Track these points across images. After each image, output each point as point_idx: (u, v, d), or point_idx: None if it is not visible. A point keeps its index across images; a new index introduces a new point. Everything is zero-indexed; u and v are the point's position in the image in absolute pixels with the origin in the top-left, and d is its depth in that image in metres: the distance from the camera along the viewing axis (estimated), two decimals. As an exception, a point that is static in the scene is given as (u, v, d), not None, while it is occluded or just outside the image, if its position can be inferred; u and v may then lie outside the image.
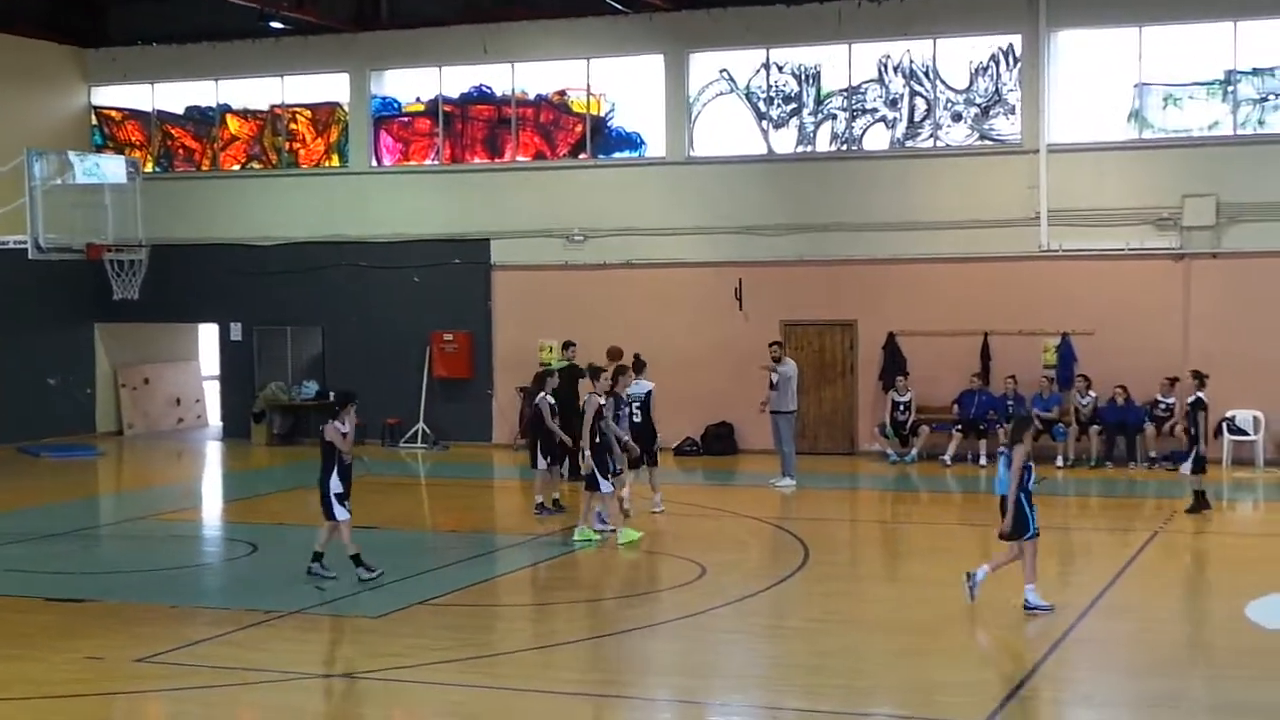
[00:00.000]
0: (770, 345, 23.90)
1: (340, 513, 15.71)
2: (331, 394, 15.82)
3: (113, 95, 32.59)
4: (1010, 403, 25.92)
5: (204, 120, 31.99)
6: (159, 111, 32.23)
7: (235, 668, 12.30)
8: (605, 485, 18.35)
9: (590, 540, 18.14)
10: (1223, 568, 16.66)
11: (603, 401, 18.62)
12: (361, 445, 29.35)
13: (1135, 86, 25.97)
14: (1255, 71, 25.52)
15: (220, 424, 32.70)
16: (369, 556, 15.87)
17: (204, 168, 32.00)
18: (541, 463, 20.44)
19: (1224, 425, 25.04)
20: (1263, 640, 13.05)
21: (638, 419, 20.50)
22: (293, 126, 31.37)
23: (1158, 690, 11.64)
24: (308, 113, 31.29)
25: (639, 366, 21.08)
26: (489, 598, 15.63)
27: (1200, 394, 20.42)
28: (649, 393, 20.95)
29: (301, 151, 31.37)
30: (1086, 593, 15.07)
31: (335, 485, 15.71)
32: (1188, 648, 13.14)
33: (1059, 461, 25.40)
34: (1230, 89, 25.60)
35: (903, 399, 26.56)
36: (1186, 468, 20.49)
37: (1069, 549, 18.95)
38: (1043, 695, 11.52)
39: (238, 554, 18.33)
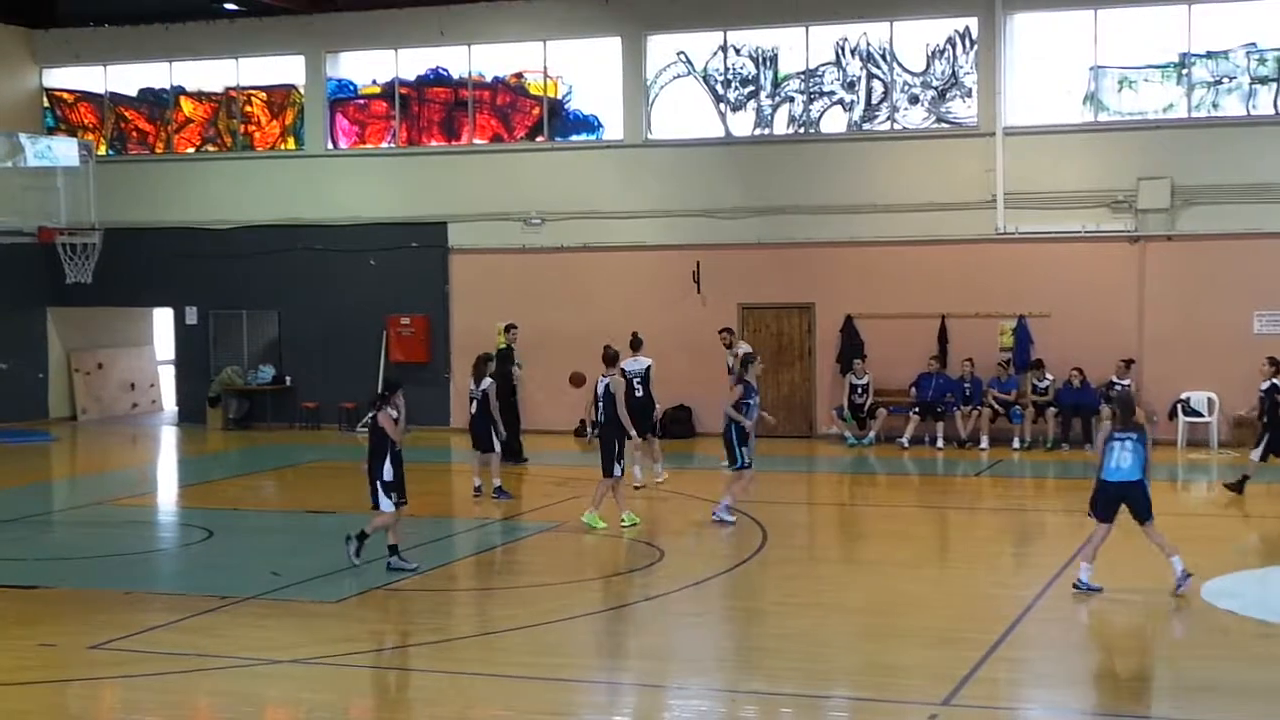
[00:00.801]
0: (720, 332, 23.88)
1: (385, 504, 15.42)
2: (381, 381, 15.36)
3: (64, 77, 32.30)
4: (967, 385, 26.02)
5: (158, 102, 31.74)
6: (112, 93, 31.95)
7: (190, 654, 12.21)
8: (617, 469, 18.33)
9: (595, 526, 18.07)
10: (1179, 548, 16.71)
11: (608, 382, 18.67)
12: (316, 430, 29.52)
13: (1090, 69, 26.07)
14: (1209, 54, 25.65)
15: (175, 409, 32.49)
16: (325, 541, 15.79)
17: (158, 150, 31.75)
18: (496, 446, 20.73)
19: (1178, 407, 25.20)
20: (1219, 620, 13.12)
21: (639, 393, 21.48)
22: (248, 109, 31.15)
23: (1115, 670, 11.70)
24: (263, 95, 31.09)
25: (636, 344, 22.24)
26: (447, 582, 15.57)
27: (1276, 380, 20.33)
28: (648, 368, 22.04)
29: (257, 134, 31.16)
30: (1044, 574, 15.13)
31: (387, 473, 15.38)
32: (1144, 628, 13.20)
33: (1015, 444, 25.52)
34: (1185, 72, 25.72)
35: (860, 382, 26.61)
36: (1256, 454, 20.46)
37: (1026, 530, 19.06)
38: (1000, 676, 11.55)
39: (193, 539, 18.19)
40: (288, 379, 30.61)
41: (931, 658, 11.93)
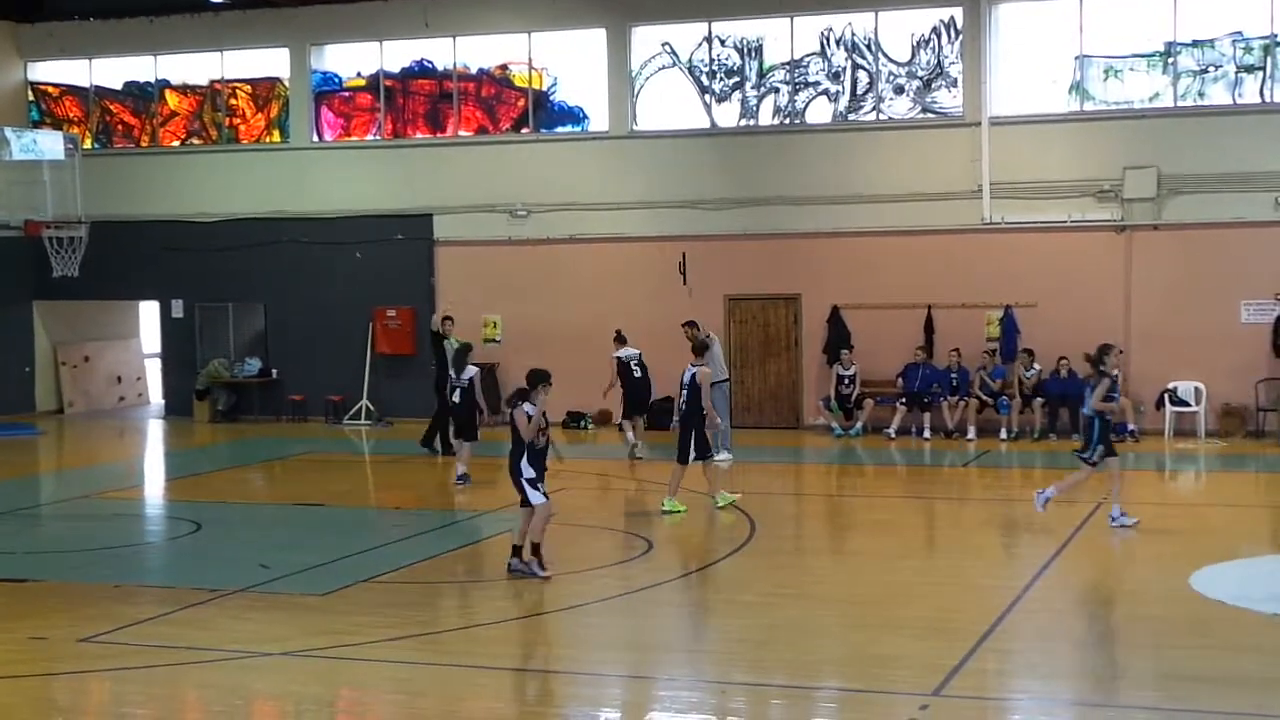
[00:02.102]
0: (683, 325, 23.84)
1: (535, 496, 14.73)
2: (527, 375, 14.97)
3: (49, 71, 32.20)
4: (954, 376, 26.06)
5: (143, 96, 31.65)
6: (97, 87, 31.86)
7: (179, 646, 12.20)
8: (691, 458, 18.43)
9: (675, 510, 18.28)
10: (1166, 538, 16.77)
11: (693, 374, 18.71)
12: (303, 422, 29.50)
13: (1076, 59, 26.09)
14: (1195, 43, 25.68)
15: (162, 402, 32.42)
16: (313, 534, 15.75)
17: (143, 144, 31.67)
18: (478, 434, 21.46)
19: (1165, 397, 25.24)
20: (1207, 610, 13.15)
21: (638, 374, 23.86)
22: (233, 102, 31.08)
23: (1103, 661, 11.71)
24: (248, 88, 31.02)
25: (622, 339, 24.13)
26: (435, 574, 15.55)
27: None
28: (640, 354, 23.91)
29: (242, 127, 31.09)
30: (1032, 564, 15.15)
31: (527, 470, 14.73)
32: (1132, 618, 13.22)
33: (1002, 434, 25.55)
34: (1170, 61, 25.75)
35: (847, 373, 26.62)
36: None
37: (1014, 521, 19.06)
38: (990, 667, 11.57)
39: (181, 532, 18.17)
40: (274, 371, 30.56)
41: (921, 648, 11.93)
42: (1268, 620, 12.70)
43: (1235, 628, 12.56)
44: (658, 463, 22.51)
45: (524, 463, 14.68)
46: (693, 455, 18.53)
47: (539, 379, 14.90)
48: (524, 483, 14.70)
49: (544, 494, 14.73)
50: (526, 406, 14.69)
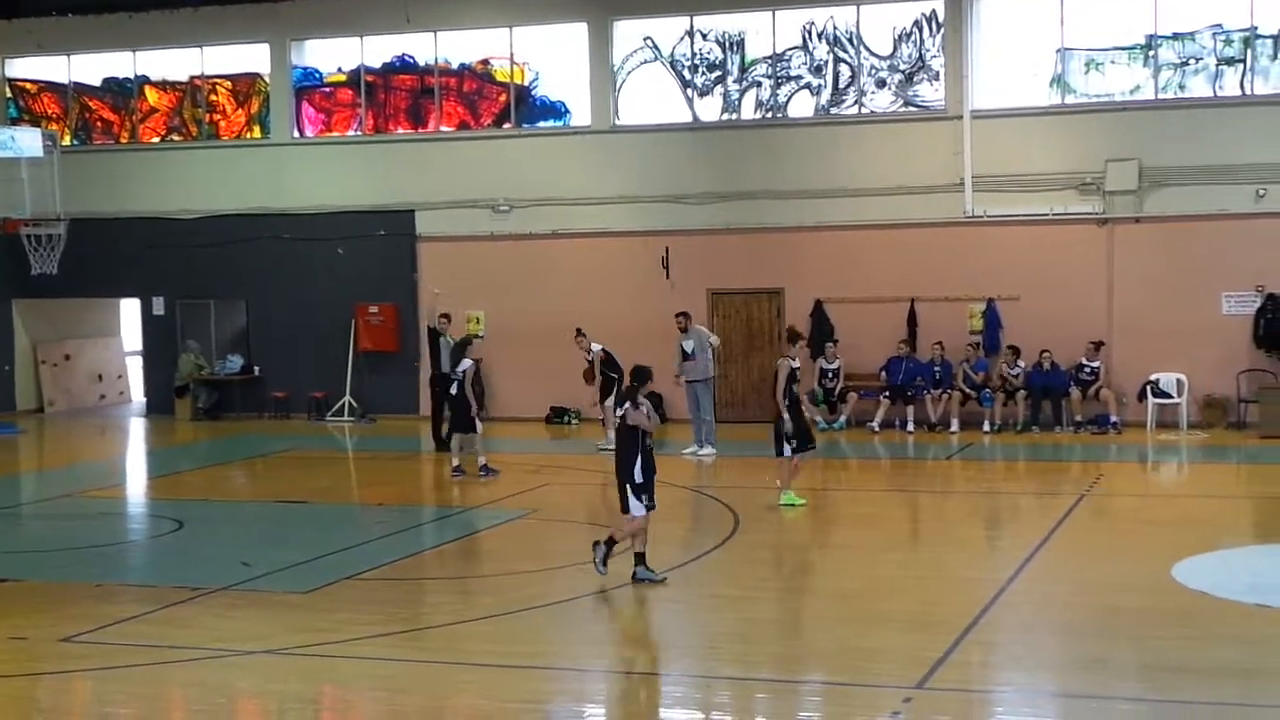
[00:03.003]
0: (676, 316, 23.86)
1: (635, 507, 14.16)
2: (631, 372, 14.61)
3: (27, 67, 32.07)
4: (937, 369, 26.08)
5: (122, 92, 31.53)
6: (75, 83, 31.73)
7: (161, 645, 12.16)
8: (786, 450, 18.30)
9: (794, 504, 18.26)
10: (1149, 529, 16.80)
11: (795, 366, 18.44)
12: (285, 419, 29.43)
13: (1057, 51, 26.11)
14: (1176, 36, 25.71)
15: (143, 400, 32.32)
16: (296, 531, 15.70)
17: (123, 140, 31.56)
18: (478, 426, 21.39)
19: (1148, 388, 25.28)
20: (1189, 601, 13.17)
21: (596, 373, 23.96)
22: (213, 98, 30.98)
23: (1087, 652, 11.71)
24: (228, 84, 30.91)
25: (582, 333, 24.39)
26: (418, 571, 15.52)
27: None
28: (598, 352, 24.07)
29: (222, 123, 31.00)
30: (1015, 557, 15.16)
31: (638, 475, 14.13)
32: (1116, 610, 13.23)
33: (986, 426, 25.57)
34: (1151, 53, 25.78)
35: (831, 366, 26.62)
36: None
37: (997, 513, 19.10)
38: (974, 659, 11.57)
39: (162, 531, 18.11)
40: (256, 369, 30.48)
41: (905, 641, 11.93)
42: (1250, 610, 12.72)
43: (1218, 618, 12.58)
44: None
45: (638, 467, 14.16)
46: (786, 448, 18.33)
47: (645, 376, 14.52)
48: (630, 489, 14.15)
49: (646, 506, 14.18)
50: (634, 404, 14.21)
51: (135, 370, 33.90)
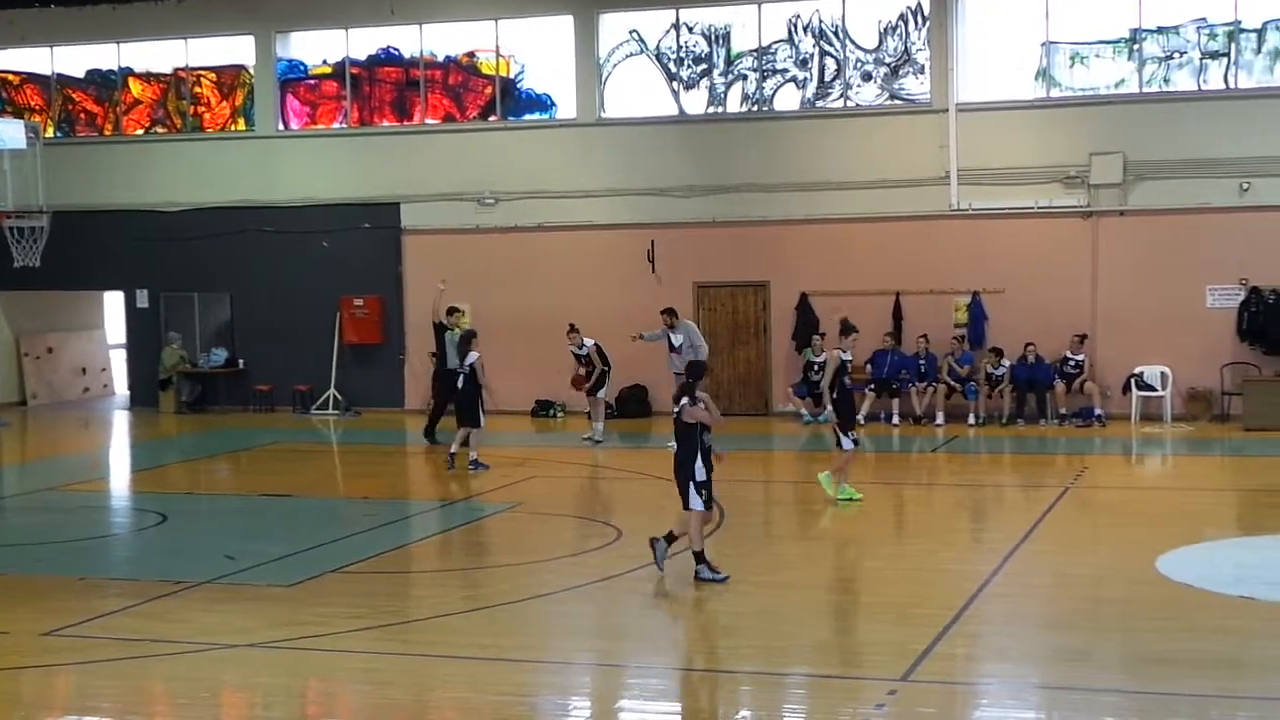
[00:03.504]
0: (661, 313, 23.83)
1: (695, 502, 13.91)
2: (687, 367, 14.48)
3: (10, 59, 31.92)
4: (922, 362, 26.11)
5: (105, 84, 31.41)
6: (58, 75, 31.60)
7: (145, 639, 12.12)
8: (846, 442, 18.07)
9: (853, 498, 18.02)
10: (1133, 522, 16.83)
11: (847, 358, 18.29)
12: (270, 412, 29.38)
13: (1042, 45, 26.13)
14: (1160, 29, 25.75)
15: (127, 393, 32.24)
16: (280, 525, 15.66)
17: (106, 132, 31.44)
18: (481, 420, 21.45)
19: (1132, 381, 25.33)
20: (1173, 593, 13.19)
21: (586, 369, 23.99)
22: (197, 90, 30.88)
23: (1071, 644, 11.73)
24: (212, 76, 30.82)
25: (575, 329, 24.26)
26: (403, 564, 15.51)
27: None
28: (592, 346, 24.09)
29: (206, 115, 30.90)
30: (1000, 549, 15.18)
31: (699, 472, 13.88)
32: (1100, 602, 13.26)
33: (970, 419, 25.61)
34: (1136, 47, 25.81)
35: (817, 359, 26.61)
36: None
37: (982, 506, 19.13)
38: (958, 651, 11.59)
39: (146, 524, 18.05)
40: (240, 362, 30.42)
41: (890, 634, 11.95)
42: (1234, 602, 12.75)
43: (1201, 610, 12.61)
44: (624, 450, 22.51)
45: (698, 463, 13.92)
46: (846, 441, 18.10)
47: (702, 371, 14.43)
48: (691, 485, 13.93)
49: (705, 501, 14.00)
50: (694, 399, 13.94)
51: (119, 363, 33.80)
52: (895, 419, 26.04)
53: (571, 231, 28.27)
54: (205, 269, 30.28)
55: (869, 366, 26.45)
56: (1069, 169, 25.83)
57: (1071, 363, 25.55)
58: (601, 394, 24.40)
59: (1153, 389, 25.37)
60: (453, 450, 21.44)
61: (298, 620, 12.64)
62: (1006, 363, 25.74)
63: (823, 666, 11.28)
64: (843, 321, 19.07)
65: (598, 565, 14.86)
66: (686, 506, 14.01)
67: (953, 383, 25.98)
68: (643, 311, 26.33)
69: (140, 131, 31.31)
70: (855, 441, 18.23)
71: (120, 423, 30.06)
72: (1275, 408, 24.14)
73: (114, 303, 33.11)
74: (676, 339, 23.33)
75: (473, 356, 21.35)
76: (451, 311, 24.19)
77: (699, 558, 13.89)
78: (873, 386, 26.20)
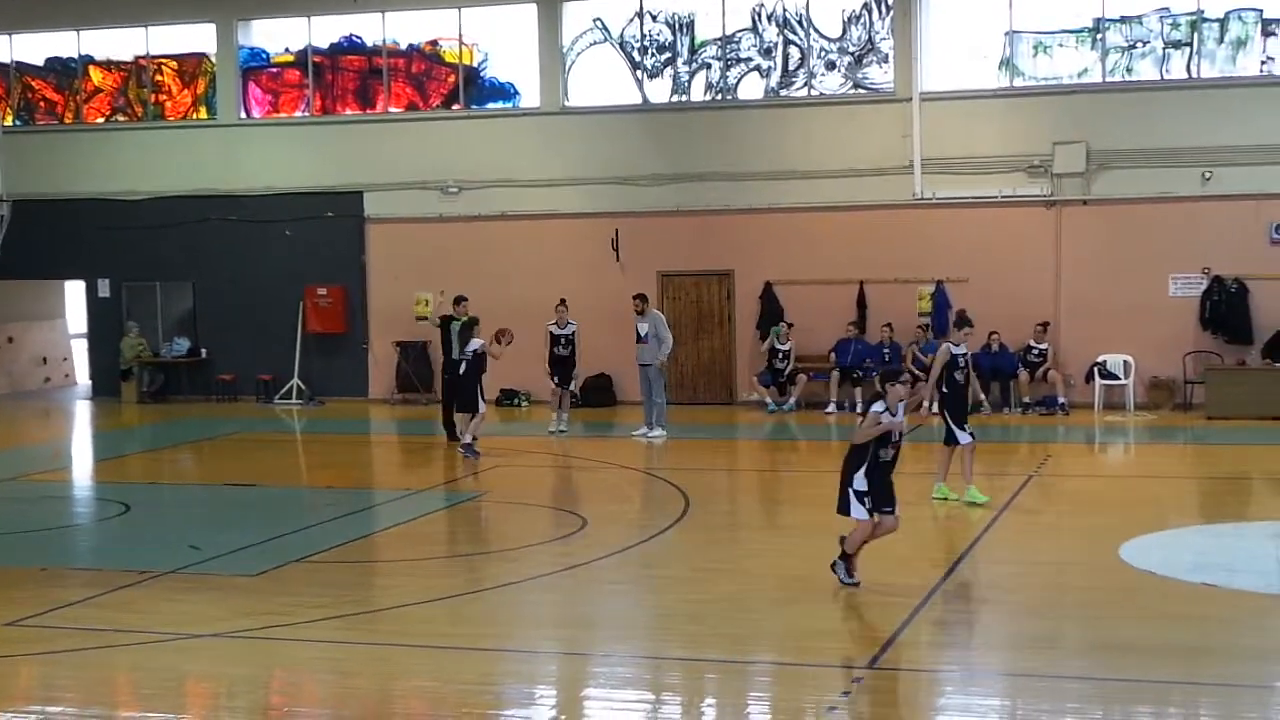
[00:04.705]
0: (634, 298, 23.86)
1: (857, 510, 12.78)
2: (881, 374, 13.29)
3: (-31, 46, 31.71)
4: (886, 351, 26.16)
5: (65, 72, 31.20)
6: (18, 63, 31.37)
7: (108, 629, 12.06)
8: (963, 436, 17.07)
9: (977, 500, 16.84)
10: (1096, 510, 16.90)
11: (958, 351, 17.21)
12: (233, 402, 29.25)
13: (1006, 34, 26.21)
14: (1123, 19, 25.88)
15: (89, 383, 32.05)
16: (244, 514, 15.57)
17: (67, 120, 31.23)
18: (481, 406, 21.44)
19: (1095, 370, 25.45)
20: (1136, 580, 13.26)
21: (565, 351, 23.83)
22: (158, 78, 30.70)
23: (1034, 631, 11.78)
24: (173, 64, 30.64)
25: (564, 304, 24.21)
26: (368, 554, 15.46)
27: None
28: (574, 332, 23.91)
29: (168, 103, 30.73)
30: (964, 537, 15.23)
31: (858, 482, 12.78)
32: (1063, 589, 13.32)
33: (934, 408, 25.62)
34: (1099, 36, 25.92)
35: (783, 348, 26.66)
36: None
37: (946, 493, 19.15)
38: (923, 639, 11.62)
39: (109, 514, 17.95)
40: (203, 351, 30.28)
41: (855, 622, 11.99)
42: (1195, 589, 12.82)
43: (1164, 597, 12.68)
44: (588, 439, 22.50)
45: (859, 474, 12.78)
46: (963, 435, 17.06)
47: (889, 376, 13.04)
48: (850, 492, 12.85)
49: (869, 511, 12.80)
50: (877, 406, 12.80)
51: (80, 353, 33.59)
52: (859, 407, 26.05)
53: (535, 220, 28.23)
54: (167, 258, 30.12)
55: (833, 355, 26.50)
56: (1032, 158, 25.93)
57: (1035, 351, 25.66)
58: (571, 386, 24.34)
59: (1116, 377, 25.51)
60: (466, 441, 21.30)
61: (262, 610, 12.59)
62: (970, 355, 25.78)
63: (788, 655, 11.29)
64: (959, 314, 18.28)
65: (563, 554, 14.85)
66: (843, 512, 12.93)
67: (917, 371, 26.01)
68: (607, 301, 26.40)
69: (101, 120, 31.11)
70: (971, 434, 17.17)
71: (82, 413, 29.88)
72: (1237, 396, 24.31)
73: (75, 292, 32.89)
74: (643, 328, 23.33)
75: (475, 344, 21.39)
76: (458, 301, 23.65)
77: (845, 554, 12.94)
78: (836, 371, 26.28)
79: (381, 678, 10.85)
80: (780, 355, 26.64)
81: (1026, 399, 25.50)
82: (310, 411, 28.38)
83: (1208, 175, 25.27)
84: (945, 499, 17.15)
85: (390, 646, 11.60)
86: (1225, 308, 25.23)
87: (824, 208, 26.80)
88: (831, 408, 26.14)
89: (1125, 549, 14.28)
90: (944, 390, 17.15)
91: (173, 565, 14.33)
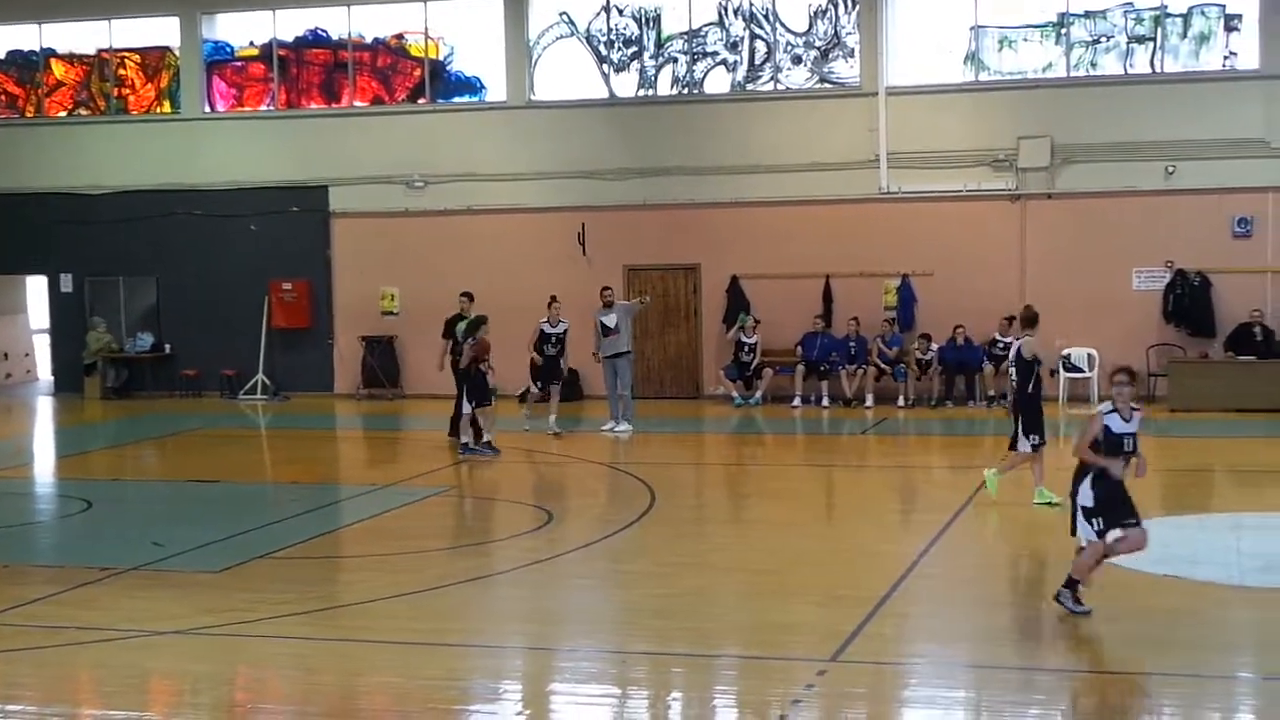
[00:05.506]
0: (602, 291, 23.81)
1: (1085, 531, 11.56)
2: (1118, 369, 11.83)
3: (-70, 39, 31.46)
4: (852, 344, 26.21)
5: (27, 65, 30.98)
6: (-21, 56, 31.17)
7: (70, 627, 11.97)
8: (1024, 445, 16.18)
9: (1052, 503, 15.81)
10: (1060, 502, 16.94)
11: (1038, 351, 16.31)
12: (197, 398, 29.12)
13: (971, 29, 26.28)
14: (1087, 14, 25.98)
15: (51, 378, 31.84)
16: (208, 511, 15.47)
17: (28, 114, 31.01)
18: (466, 406, 20.90)
19: (1060, 363, 25.53)
20: (1099, 573, 13.28)
21: (555, 351, 22.94)
22: (121, 72, 30.51)
23: (999, 623, 11.81)
24: (137, 57, 30.46)
25: (557, 302, 23.27)
26: (334, 549, 15.40)
27: None
28: (566, 330, 23.08)
29: (131, 97, 30.54)
30: (928, 529, 15.25)
31: (1084, 495, 11.58)
32: (1027, 582, 13.35)
33: (900, 401, 25.74)
34: (1063, 31, 26.01)
35: (749, 341, 26.68)
36: None
37: (911, 487, 19.22)
38: (887, 631, 11.63)
39: (71, 511, 17.83)
40: (167, 346, 30.13)
41: (820, 615, 11.99)
42: (1158, 581, 12.87)
43: (1126, 590, 12.71)
44: (566, 434, 22.48)
45: (1085, 484, 11.56)
46: (1033, 438, 16.16)
47: (1121, 372, 11.87)
48: (1080, 510, 11.61)
49: (1098, 531, 11.50)
50: (1102, 407, 11.74)
51: (43, 349, 33.37)
52: (825, 401, 26.15)
53: (501, 214, 28.18)
54: (131, 253, 29.95)
55: (799, 349, 26.54)
56: (997, 152, 26.01)
57: (1000, 345, 25.68)
58: (557, 386, 23.56)
59: (1080, 370, 25.61)
60: (486, 439, 21.01)
61: (226, 606, 12.52)
62: (935, 346, 25.91)
63: (752, 648, 11.29)
64: (1028, 311, 17.00)
65: (529, 549, 14.82)
66: (1073, 532, 11.79)
67: (882, 365, 26.11)
68: (574, 295, 26.25)
69: (63, 114, 30.91)
70: (1035, 446, 16.22)
71: (44, 408, 29.70)
72: (1199, 389, 24.45)
73: (37, 287, 32.67)
74: (610, 320, 23.26)
75: (470, 343, 20.88)
76: (465, 296, 22.88)
77: (1072, 580, 11.66)
78: (801, 365, 26.31)
79: (346, 674, 10.80)
80: (746, 349, 26.65)
81: (992, 392, 25.58)
82: (275, 407, 28.27)
83: (1171, 169, 25.39)
84: (1051, 503, 15.83)
85: (355, 642, 11.55)
86: (1188, 301, 25.36)
87: (790, 202, 26.83)
88: (797, 402, 26.19)
89: (1089, 541, 14.31)
90: (1030, 391, 16.27)
91: (135, 562, 14.25)
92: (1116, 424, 11.57)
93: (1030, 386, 16.24)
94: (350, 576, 14.33)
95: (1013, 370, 16.51)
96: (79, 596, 13.02)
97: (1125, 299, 25.57)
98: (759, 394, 26.55)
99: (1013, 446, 16.53)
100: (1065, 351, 25.52)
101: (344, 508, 17.95)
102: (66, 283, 30.73)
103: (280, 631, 11.79)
